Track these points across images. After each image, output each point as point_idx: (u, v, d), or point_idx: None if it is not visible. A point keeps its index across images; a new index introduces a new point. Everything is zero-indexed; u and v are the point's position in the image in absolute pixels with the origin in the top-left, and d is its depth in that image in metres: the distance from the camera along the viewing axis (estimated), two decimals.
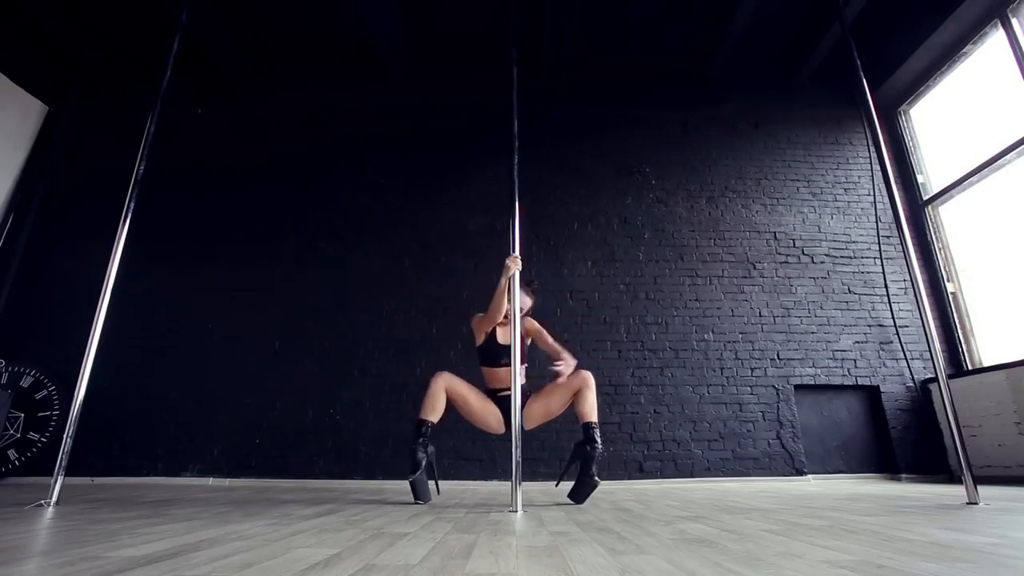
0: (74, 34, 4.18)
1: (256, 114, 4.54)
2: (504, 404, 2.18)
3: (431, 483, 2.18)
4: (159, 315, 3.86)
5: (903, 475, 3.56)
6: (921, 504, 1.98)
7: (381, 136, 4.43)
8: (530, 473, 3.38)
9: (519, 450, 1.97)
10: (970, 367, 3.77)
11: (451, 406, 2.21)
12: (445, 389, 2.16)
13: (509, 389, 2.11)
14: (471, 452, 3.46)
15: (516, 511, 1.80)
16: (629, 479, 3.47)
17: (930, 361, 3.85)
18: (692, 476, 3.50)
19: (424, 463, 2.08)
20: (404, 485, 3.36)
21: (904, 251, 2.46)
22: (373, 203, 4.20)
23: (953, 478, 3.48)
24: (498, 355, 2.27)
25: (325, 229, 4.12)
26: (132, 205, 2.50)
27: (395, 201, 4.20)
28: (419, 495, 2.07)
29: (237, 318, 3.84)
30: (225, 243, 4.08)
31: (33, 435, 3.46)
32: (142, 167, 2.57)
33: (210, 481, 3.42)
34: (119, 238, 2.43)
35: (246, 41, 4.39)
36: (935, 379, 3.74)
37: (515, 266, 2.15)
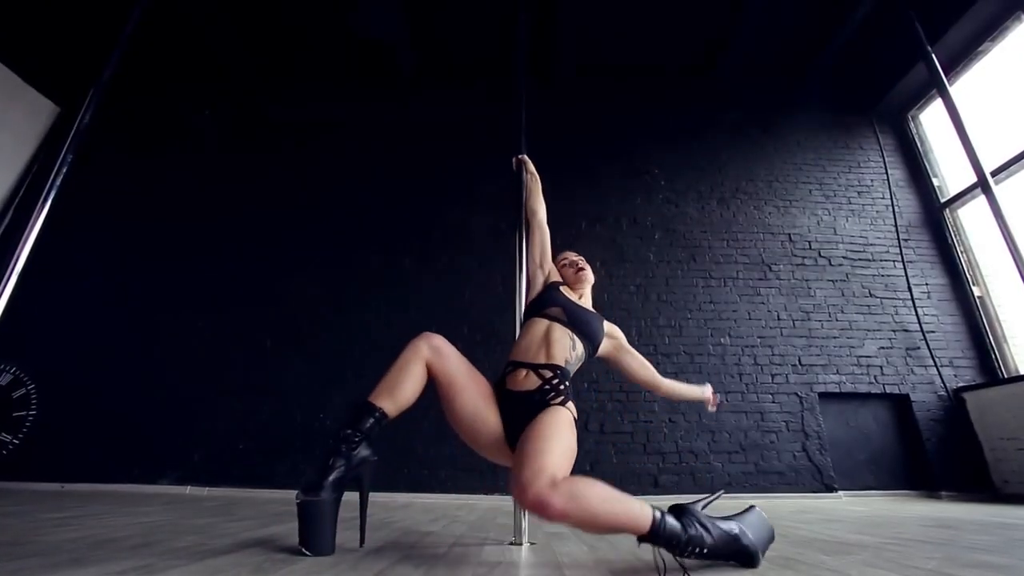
0: (77, 34, 4.20)
1: (258, 114, 4.52)
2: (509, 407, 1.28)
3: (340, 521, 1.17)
4: (142, 310, 3.69)
5: (942, 492, 3.26)
6: (957, 522, 1.73)
7: (385, 136, 4.38)
8: None
9: None
10: (1006, 375, 3.53)
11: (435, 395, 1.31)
12: (426, 361, 1.26)
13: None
14: (469, 463, 3.16)
15: (522, 544, 1.40)
16: (643, 494, 3.18)
17: (962, 368, 3.63)
18: (711, 492, 3.21)
19: (334, 477, 1.13)
20: (395, 498, 3.09)
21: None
22: (375, 202, 4.10)
23: (998, 496, 3.18)
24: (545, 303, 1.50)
25: (326, 228, 4.00)
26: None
27: (397, 200, 4.10)
28: (308, 537, 1.09)
29: (228, 316, 3.66)
30: (222, 241, 3.95)
31: (5, 436, 3.23)
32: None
33: (187, 490, 3.15)
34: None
35: (252, 43, 4.42)
36: (970, 387, 3.51)
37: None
